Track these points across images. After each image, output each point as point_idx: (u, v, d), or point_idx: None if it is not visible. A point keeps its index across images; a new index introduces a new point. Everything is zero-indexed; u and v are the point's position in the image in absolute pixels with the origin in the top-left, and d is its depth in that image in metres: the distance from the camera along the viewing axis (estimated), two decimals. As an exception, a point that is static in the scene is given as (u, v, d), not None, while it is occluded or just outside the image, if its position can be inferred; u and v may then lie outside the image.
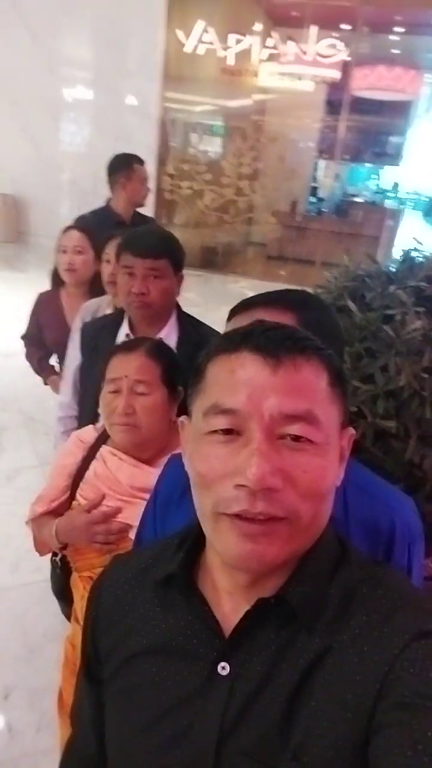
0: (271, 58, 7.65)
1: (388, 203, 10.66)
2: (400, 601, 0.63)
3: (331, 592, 0.65)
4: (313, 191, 10.47)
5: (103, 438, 1.47)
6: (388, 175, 12.02)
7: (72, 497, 1.47)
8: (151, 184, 7.88)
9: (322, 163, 10.35)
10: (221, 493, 0.62)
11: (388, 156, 11.31)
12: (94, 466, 1.44)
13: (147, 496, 1.14)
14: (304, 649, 0.62)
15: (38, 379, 2.96)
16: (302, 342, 0.65)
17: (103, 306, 2.36)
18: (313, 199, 10.37)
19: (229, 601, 0.68)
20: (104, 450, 1.45)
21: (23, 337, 2.90)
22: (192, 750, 0.64)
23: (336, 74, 7.84)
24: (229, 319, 0.97)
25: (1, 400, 4.43)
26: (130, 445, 1.40)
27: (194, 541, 0.72)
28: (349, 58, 7.73)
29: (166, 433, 1.40)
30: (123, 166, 3.36)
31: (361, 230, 9.23)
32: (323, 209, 10.02)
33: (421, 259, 1.71)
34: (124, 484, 1.39)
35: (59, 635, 2.41)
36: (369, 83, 8.43)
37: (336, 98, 8.61)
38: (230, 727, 0.62)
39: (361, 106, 8.88)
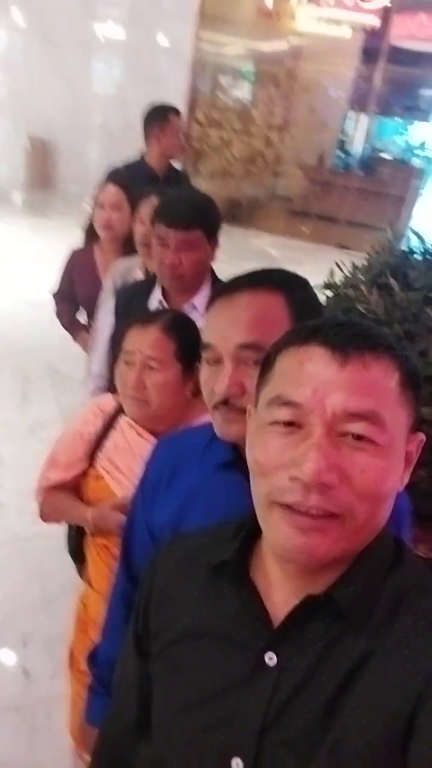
0: (311, 0, 7.28)
1: (416, 162, 10.29)
2: None
3: (382, 595, 0.65)
4: (341, 145, 10.13)
5: (122, 407, 1.46)
6: (417, 132, 11.57)
7: (89, 466, 1.46)
8: (182, 131, 7.74)
9: (351, 116, 9.97)
10: (276, 483, 0.62)
11: (419, 111, 10.85)
12: (114, 436, 1.44)
13: None
14: (350, 649, 0.63)
15: (64, 331, 2.93)
16: (373, 339, 0.64)
17: (133, 267, 2.32)
18: (340, 154, 10.04)
19: (280, 592, 0.68)
20: (123, 421, 1.44)
21: (55, 295, 2.86)
22: (234, 736, 0.65)
23: (375, 21, 7.48)
24: (211, 304, 0.94)
25: (27, 351, 4.44)
26: (141, 419, 1.40)
27: (250, 529, 0.72)
28: (390, 4, 7.35)
29: (181, 409, 1.39)
30: (158, 117, 3.23)
31: (387, 189, 8.92)
32: (350, 165, 9.71)
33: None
34: (140, 458, 1.39)
35: (77, 587, 2.49)
36: (408, 32, 8.06)
37: (373, 47, 8.25)
38: (274, 717, 0.64)
39: (398, 56, 8.51)
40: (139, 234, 2.27)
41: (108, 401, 1.53)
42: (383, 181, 9.18)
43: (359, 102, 9.23)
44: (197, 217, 1.75)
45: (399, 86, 9.87)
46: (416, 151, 10.57)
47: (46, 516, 1.55)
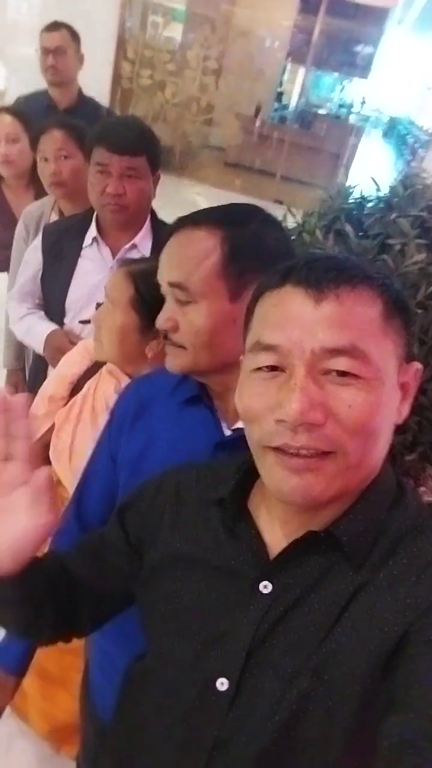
0: None
1: (352, 119, 10.30)
2: None
3: (381, 534, 0.65)
4: (278, 97, 9.96)
5: None
6: (353, 89, 11.54)
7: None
8: (109, 71, 7.30)
9: (289, 67, 9.79)
10: (265, 427, 0.62)
11: (356, 67, 10.80)
12: (90, 383, 1.38)
13: None
14: (344, 582, 0.64)
15: None
16: (348, 271, 0.62)
17: (46, 211, 2.12)
18: (276, 105, 9.88)
19: (282, 528, 0.69)
20: (104, 369, 1.37)
21: None
22: (221, 657, 0.67)
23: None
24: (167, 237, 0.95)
25: None
26: (98, 359, 1.36)
27: (249, 468, 0.72)
28: None
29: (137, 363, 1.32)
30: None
31: (323, 145, 8.91)
32: (286, 118, 9.59)
33: (419, 186, 1.63)
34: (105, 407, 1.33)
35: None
36: (348, -18, 7.91)
37: (312, -5, 8.05)
38: (261, 640, 0.65)
39: (337, 7, 8.36)
40: (45, 174, 2.01)
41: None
42: (319, 136, 9.15)
43: (297, 53, 9.06)
44: (143, 143, 1.62)
45: (336, 40, 9.75)
46: (353, 109, 10.56)
47: None
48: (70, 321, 1.78)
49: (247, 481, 0.74)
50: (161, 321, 0.92)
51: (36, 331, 1.83)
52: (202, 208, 0.96)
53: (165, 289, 0.92)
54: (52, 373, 1.53)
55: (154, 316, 1.25)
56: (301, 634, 0.64)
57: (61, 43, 2.78)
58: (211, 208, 0.95)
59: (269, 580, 0.67)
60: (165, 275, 0.91)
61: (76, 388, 1.42)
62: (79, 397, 1.38)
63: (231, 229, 0.89)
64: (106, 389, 1.34)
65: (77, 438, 1.35)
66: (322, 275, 0.62)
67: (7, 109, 2.45)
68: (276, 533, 0.69)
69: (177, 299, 0.90)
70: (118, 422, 1.04)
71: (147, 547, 0.79)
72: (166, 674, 0.72)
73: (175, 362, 0.92)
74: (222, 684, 0.66)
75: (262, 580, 0.67)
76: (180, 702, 0.69)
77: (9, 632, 0.88)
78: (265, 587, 0.67)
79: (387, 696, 0.58)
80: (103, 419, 1.30)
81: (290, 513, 0.68)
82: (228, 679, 0.66)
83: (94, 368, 1.40)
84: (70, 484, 1.37)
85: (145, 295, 1.26)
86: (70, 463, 1.35)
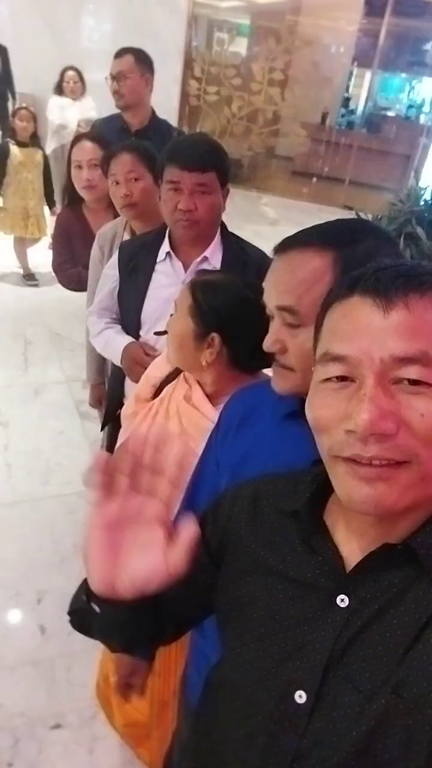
0: None
1: (423, 119, 10.04)
2: None
3: None
4: (345, 102, 9.87)
5: None
6: (423, 88, 11.24)
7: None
8: (177, 89, 7.48)
9: (355, 72, 9.69)
10: (335, 438, 0.62)
11: (425, 66, 10.53)
12: (168, 387, 1.45)
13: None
14: (425, 597, 0.63)
15: (64, 295, 2.81)
16: (418, 278, 0.61)
17: (119, 231, 2.20)
18: (343, 112, 9.79)
19: (358, 540, 0.68)
20: (182, 375, 1.44)
21: (56, 268, 2.70)
22: (300, 669, 0.66)
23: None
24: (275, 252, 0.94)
25: (28, 315, 4.39)
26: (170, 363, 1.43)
27: (326, 479, 0.70)
28: None
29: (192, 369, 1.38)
30: None
31: (393, 147, 8.76)
32: (354, 123, 9.48)
33: None
34: (176, 414, 1.41)
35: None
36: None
37: (376, -2, 7.94)
38: (340, 654, 0.65)
39: (403, 7, 8.18)
40: (117, 197, 2.09)
41: None
42: (388, 139, 9.00)
43: (363, 57, 8.95)
44: (211, 159, 1.67)
45: (404, 40, 9.55)
46: (424, 108, 10.31)
47: None
48: (146, 333, 1.84)
49: (323, 491, 0.73)
50: (269, 343, 0.91)
51: (114, 344, 1.91)
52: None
53: (271, 311, 0.92)
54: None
55: (209, 325, 1.31)
56: (380, 649, 0.63)
57: (122, 68, 2.88)
58: (319, 225, 0.92)
59: (346, 594, 0.66)
60: (274, 299, 0.90)
61: (159, 391, 1.49)
62: (157, 399, 1.44)
63: (342, 249, 0.87)
64: (179, 394, 1.40)
65: (150, 437, 1.41)
66: (389, 283, 0.61)
67: (88, 135, 2.58)
68: (353, 546, 0.69)
69: (286, 322, 0.89)
70: (224, 428, 1.07)
71: (226, 555, 0.80)
72: (245, 683, 0.72)
73: (282, 384, 0.92)
74: (300, 696, 0.66)
75: (339, 594, 0.66)
76: (259, 712, 0.69)
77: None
78: (342, 601, 0.66)
79: None
80: (175, 423, 1.35)
81: (366, 524, 0.67)
82: (306, 692, 0.65)
83: (175, 373, 1.46)
84: None
85: (203, 304, 1.32)
86: None
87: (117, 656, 1.18)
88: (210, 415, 1.32)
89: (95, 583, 0.67)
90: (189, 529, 0.65)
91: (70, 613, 0.77)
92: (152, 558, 0.65)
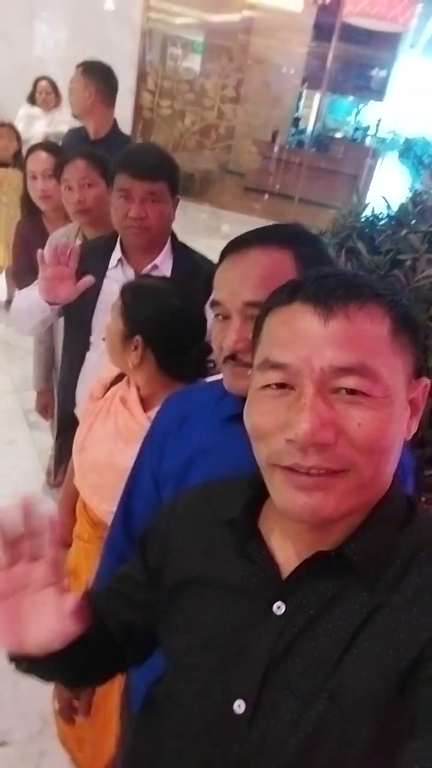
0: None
1: (369, 141, 10.40)
2: None
3: (393, 553, 0.65)
4: (295, 122, 10.13)
5: None
6: (368, 112, 11.66)
7: None
8: (130, 101, 7.52)
9: (305, 93, 9.96)
10: (274, 446, 0.61)
11: (371, 90, 10.95)
12: (115, 387, 1.47)
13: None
14: (358, 602, 0.63)
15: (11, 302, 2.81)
16: (357, 289, 0.62)
17: (71, 236, 2.19)
18: (293, 130, 10.04)
19: (292, 546, 0.68)
20: (126, 379, 1.47)
21: (14, 275, 2.70)
22: (237, 678, 0.67)
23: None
24: (221, 259, 0.95)
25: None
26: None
27: (260, 486, 0.71)
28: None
29: (159, 385, 1.39)
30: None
31: (341, 167, 9.02)
32: (303, 142, 9.72)
33: (430, 203, 1.69)
34: (112, 415, 1.44)
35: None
36: (360, 9, 8.03)
37: (325, 22, 8.21)
38: (277, 661, 0.65)
39: (350, 33, 8.49)
40: (70, 202, 2.09)
41: None
42: (336, 159, 9.26)
43: (312, 79, 9.23)
44: (163, 169, 1.71)
45: (350, 65, 9.91)
46: (369, 131, 10.67)
47: None
48: (96, 338, 1.85)
49: (259, 498, 0.73)
50: (231, 342, 0.88)
51: (31, 292, 1.80)
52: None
53: (229, 310, 0.90)
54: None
55: (134, 328, 1.33)
56: (316, 655, 0.63)
57: (71, 80, 2.96)
58: (270, 226, 0.95)
59: (282, 601, 0.66)
60: (243, 295, 0.87)
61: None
62: (103, 398, 1.47)
63: (298, 247, 0.89)
64: (119, 395, 1.43)
65: (90, 435, 1.44)
66: (330, 293, 0.61)
67: (43, 145, 2.58)
68: (288, 552, 0.68)
69: (253, 318, 0.87)
70: (159, 436, 1.05)
71: (164, 572, 0.79)
72: (185, 695, 0.72)
73: (239, 383, 0.89)
74: (239, 706, 0.65)
75: (275, 601, 0.66)
76: (198, 723, 0.69)
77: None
78: (279, 608, 0.66)
79: (406, 718, 0.58)
80: (111, 423, 1.38)
81: (301, 531, 0.66)
82: (245, 701, 0.65)
83: (123, 374, 1.49)
84: (79, 477, 1.47)
85: (129, 306, 1.35)
86: (79, 455, 1.44)
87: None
88: (140, 418, 1.34)
89: (7, 646, 0.72)
90: (67, 603, 0.68)
91: (10, 660, 0.77)
92: (47, 621, 0.69)
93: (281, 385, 0.62)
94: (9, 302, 2.64)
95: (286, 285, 0.67)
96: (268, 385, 0.63)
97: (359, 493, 0.61)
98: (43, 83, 5.37)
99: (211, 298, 0.95)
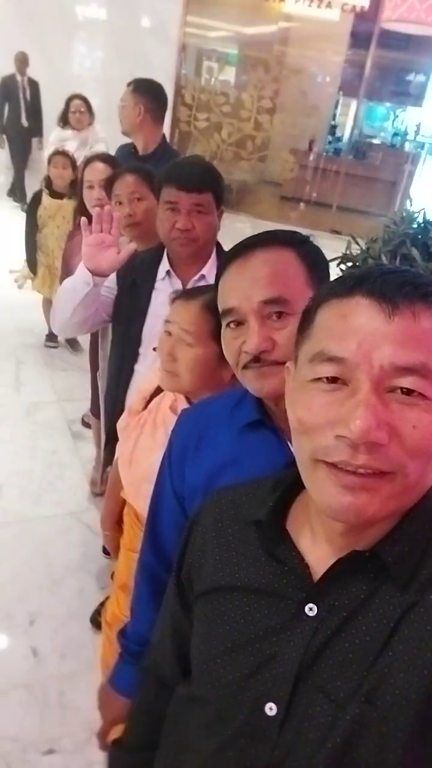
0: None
1: (407, 146, 10.28)
2: None
3: (426, 553, 0.63)
4: (332, 130, 10.09)
5: None
6: (408, 117, 11.55)
7: None
8: (167, 115, 7.61)
9: (341, 101, 9.93)
10: (320, 441, 0.60)
11: (409, 96, 10.84)
12: (157, 399, 1.46)
13: None
14: (392, 603, 0.62)
15: None
16: (425, 287, 0.60)
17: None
18: (330, 139, 10.01)
19: (324, 547, 0.67)
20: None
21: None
22: (269, 681, 0.66)
23: (364, 1, 7.41)
24: (223, 270, 0.95)
25: (19, 334, 4.38)
26: (171, 391, 1.41)
27: (288, 486, 0.70)
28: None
29: (215, 389, 1.34)
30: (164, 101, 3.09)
31: (379, 174, 8.94)
32: (340, 150, 9.68)
33: None
34: (162, 426, 1.42)
35: (81, 567, 2.47)
36: (399, 14, 7.97)
37: (362, 30, 8.18)
38: (309, 663, 0.64)
39: (388, 40, 8.43)
40: (119, 216, 2.04)
41: None
42: (374, 166, 9.17)
43: (349, 87, 9.18)
44: (208, 181, 1.72)
45: (388, 71, 9.83)
46: (408, 136, 10.56)
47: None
48: (145, 348, 1.86)
49: (287, 499, 0.72)
50: (257, 343, 0.88)
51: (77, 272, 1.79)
52: None
53: (245, 313, 0.91)
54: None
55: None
56: (350, 657, 0.62)
57: (122, 97, 3.00)
58: (263, 233, 0.96)
59: (314, 603, 0.65)
60: (258, 295, 0.89)
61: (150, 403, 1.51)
62: (146, 410, 1.46)
63: (297, 246, 0.92)
64: (165, 405, 1.43)
65: (137, 448, 1.43)
66: (397, 288, 0.59)
67: (100, 156, 2.69)
68: (319, 554, 0.67)
69: (270, 316, 0.89)
70: (177, 456, 1.04)
71: (193, 579, 0.79)
72: (214, 699, 0.71)
73: (269, 383, 0.89)
74: (271, 709, 0.64)
75: (307, 603, 0.65)
76: (229, 727, 0.68)
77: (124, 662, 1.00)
78: (311, 610, 0.65)
79: None
80: (161, 433, 1.36)
81: (334, 533, 0.65)
82: (276, 703, 0.64)
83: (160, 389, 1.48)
84: (130, 491, 1.46)
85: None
86: (129, 469, 1.43)
87: (108, 702, 1.13)
88: None
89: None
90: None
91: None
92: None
93: (333, 379, 0.60)
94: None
95: (346, 277, 0.64)
96: (318, 378, 0.61)
97: (402, 497, 0.60)
98: (77, 102, 5.29)
99: (221, 308, 0.95)
